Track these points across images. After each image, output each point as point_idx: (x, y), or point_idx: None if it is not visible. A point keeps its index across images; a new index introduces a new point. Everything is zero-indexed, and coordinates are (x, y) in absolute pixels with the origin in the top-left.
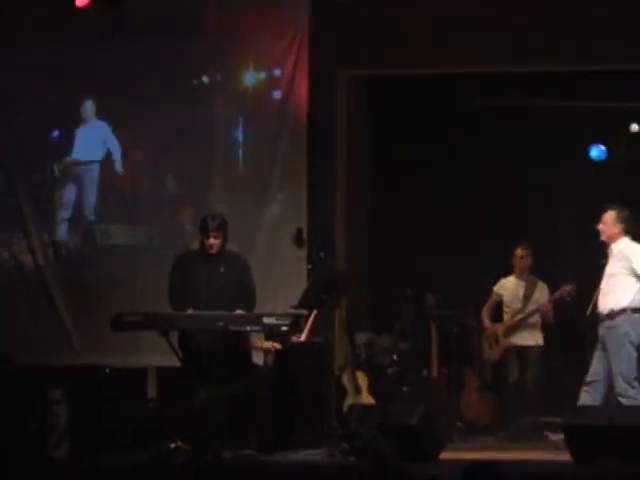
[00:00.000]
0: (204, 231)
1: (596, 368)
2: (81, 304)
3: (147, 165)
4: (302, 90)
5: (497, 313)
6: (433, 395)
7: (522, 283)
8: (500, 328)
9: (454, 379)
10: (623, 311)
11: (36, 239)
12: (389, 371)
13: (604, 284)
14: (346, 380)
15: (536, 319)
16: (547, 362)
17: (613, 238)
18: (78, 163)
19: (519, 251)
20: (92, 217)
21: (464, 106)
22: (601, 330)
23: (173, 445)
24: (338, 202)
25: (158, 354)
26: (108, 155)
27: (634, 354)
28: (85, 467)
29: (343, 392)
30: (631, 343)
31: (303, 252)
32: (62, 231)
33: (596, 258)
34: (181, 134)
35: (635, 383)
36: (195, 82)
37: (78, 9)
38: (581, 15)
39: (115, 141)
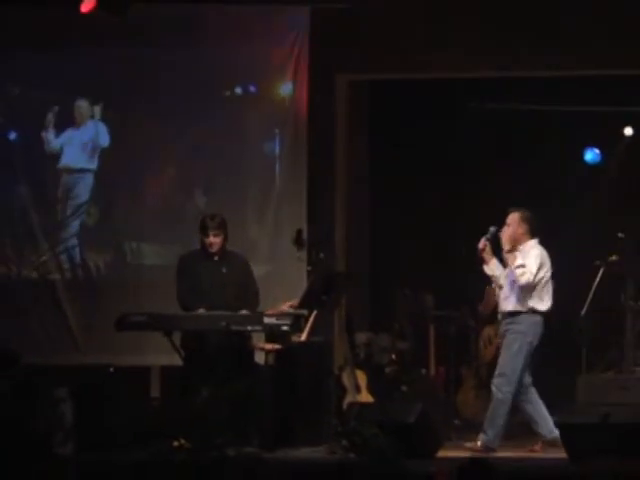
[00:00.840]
0: (204, 230)
1: None
2: (86, 304)
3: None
4: (302, 93)
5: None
6: (431, 393)
7: None
8: (494, 328)
9: (452, 378)
10: (524, 312)
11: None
12: (388, 370)
13: (506, 286)
14: (346, 379)
15: None
16: (542, 361)
17: (519, 240)
18: (70, 170)
19: None
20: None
21: (463, 109)
22: (501, 330)
23: (176, 443)
24: (338, 203)
25: (161, 353)
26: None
27: (525, 352)
28: (90, 464)
29: (343, 390)
30: (529, 343)
31: (303, 253)
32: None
33: (589, 259)
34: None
35: (514, 382)
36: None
37: (87, 15)
38: (578, 20)
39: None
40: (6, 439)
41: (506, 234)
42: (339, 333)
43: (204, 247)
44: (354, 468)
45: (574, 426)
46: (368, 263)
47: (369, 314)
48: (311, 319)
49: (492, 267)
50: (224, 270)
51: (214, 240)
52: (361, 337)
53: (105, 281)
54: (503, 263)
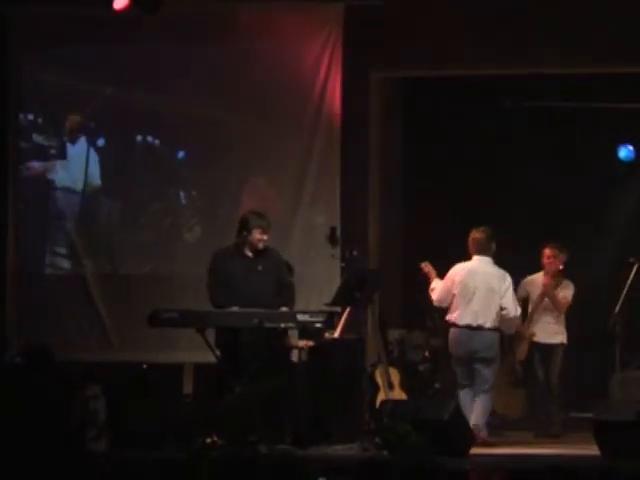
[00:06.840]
0: (249, 227)
1: None
2: (118, 301)
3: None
4: (336, 90)
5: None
6: None
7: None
8: (525, 325)
9: None
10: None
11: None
12: (421, 367)
13: None
14: (379, 376)
15: (560, 317)
16: (576, 359)
17: None
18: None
19: (547, 251)
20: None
21: (495, 106)
22: None
23: (209, 440)
24: (371, 201)
25: (194, 350)
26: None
27: (454, 364)
28: (122, 461)
29: (376, 388)
30: (453, 357)
31: (336, 250)
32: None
33: (623, 256)
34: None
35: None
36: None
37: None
38: (609, 18)
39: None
40: (39, 436)
41: None
42: (372, 330)
43: (243, 244)
44: (387, 466)
45: (608, 424)
46: (401, 260)
47: (402, 311)
48: (344, 316)
49: None
50: (259, 267)
51: (263, 237)
52: (394, 334)
53: (138, 277)
54: None
